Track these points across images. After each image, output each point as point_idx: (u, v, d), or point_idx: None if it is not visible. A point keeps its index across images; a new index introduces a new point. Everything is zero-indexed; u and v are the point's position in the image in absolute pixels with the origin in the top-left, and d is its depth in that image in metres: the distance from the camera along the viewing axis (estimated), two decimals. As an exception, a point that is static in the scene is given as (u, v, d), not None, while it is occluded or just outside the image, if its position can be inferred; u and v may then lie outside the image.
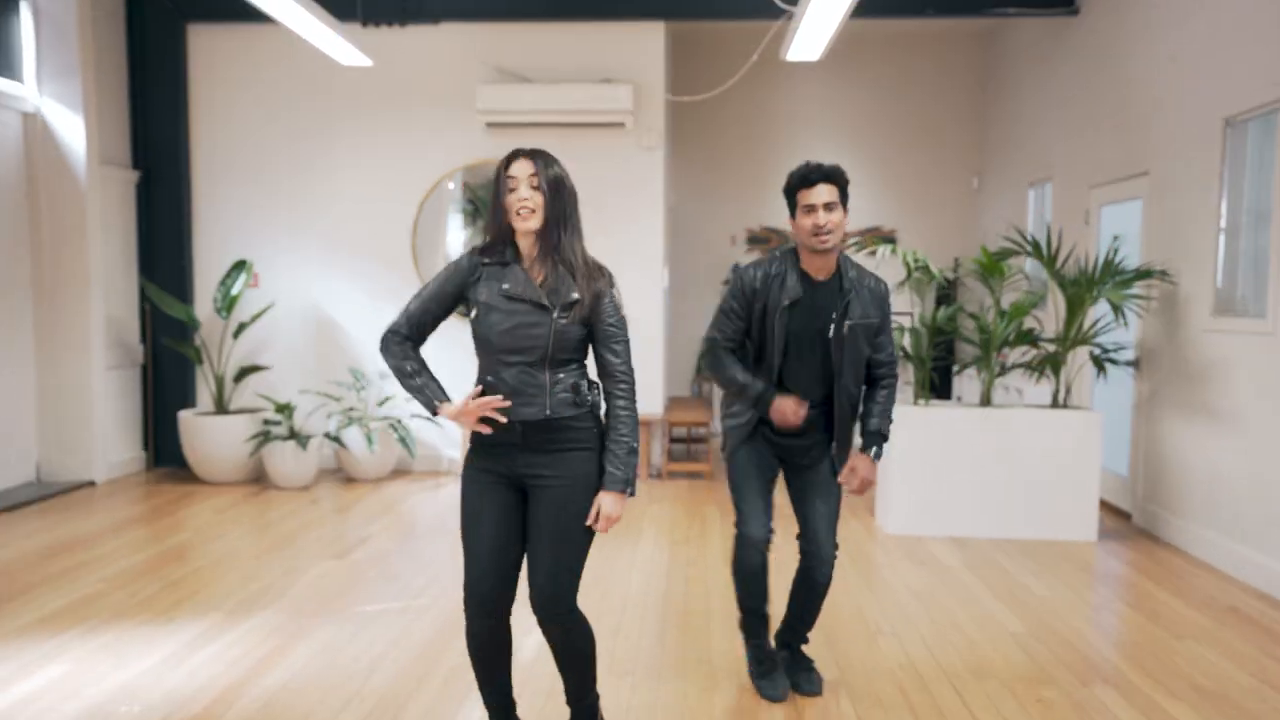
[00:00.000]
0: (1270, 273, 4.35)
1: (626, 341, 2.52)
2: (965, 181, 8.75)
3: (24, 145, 6.16)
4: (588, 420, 2.49)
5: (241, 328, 6.60)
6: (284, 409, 6.31)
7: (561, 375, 2.45)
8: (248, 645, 3.57)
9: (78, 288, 6.31)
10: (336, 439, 6.44)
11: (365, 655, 3.49)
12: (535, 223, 2.43)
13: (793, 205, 2.95)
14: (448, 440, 6.96)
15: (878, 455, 3.07)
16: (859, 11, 4.99)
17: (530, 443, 2.45)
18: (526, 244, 2.48)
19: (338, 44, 5.68)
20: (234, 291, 6.62)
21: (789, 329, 2.96)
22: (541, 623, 2.50)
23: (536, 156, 2.46)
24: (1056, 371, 5.32)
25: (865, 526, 5.48)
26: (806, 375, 3.01)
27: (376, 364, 6.85)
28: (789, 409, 2.96)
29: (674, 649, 3.57)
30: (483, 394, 2.46)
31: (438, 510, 5.85)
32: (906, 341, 5.35)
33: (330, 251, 6.94)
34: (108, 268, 6.56)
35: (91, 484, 6.40)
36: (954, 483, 5.24)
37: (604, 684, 2.94)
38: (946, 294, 8.06)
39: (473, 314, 2.49)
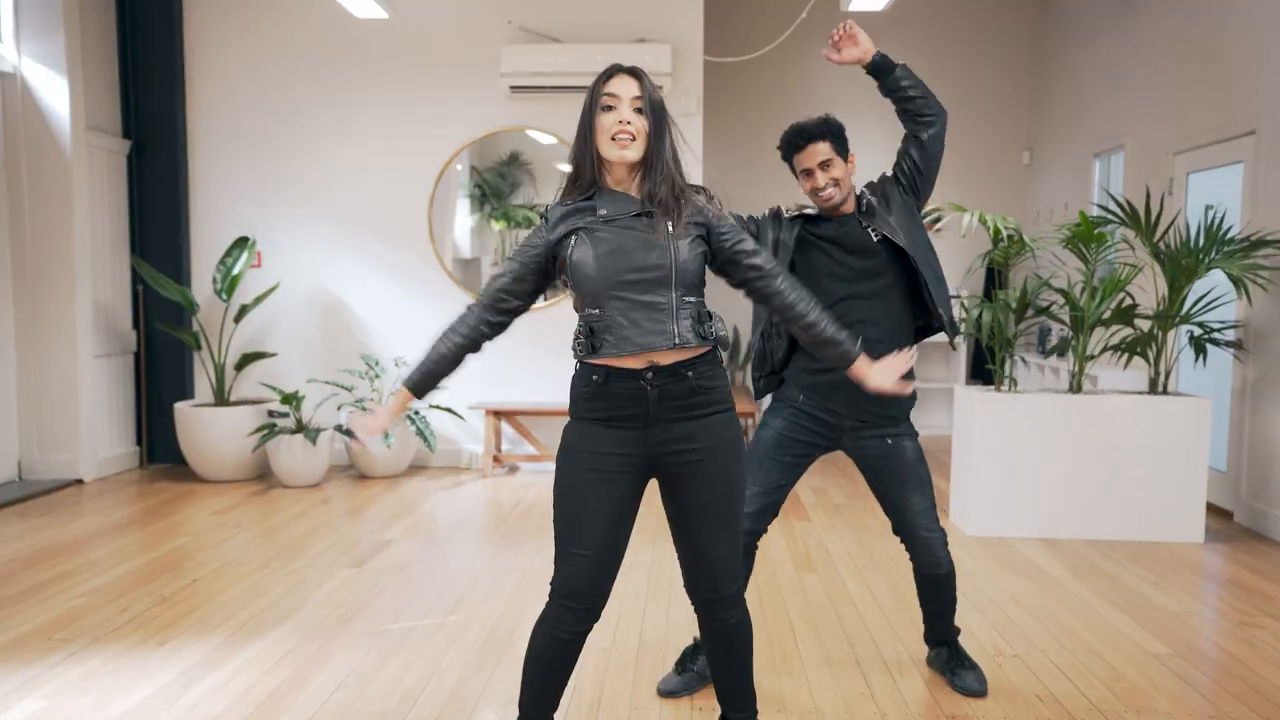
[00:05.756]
0: None
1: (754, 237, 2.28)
2: (1014, 155, 8.18)
3: (1, 109, 5.58)
4: (720, 375, 2.14)
5: (243, 311, 6.02)
6: (291, 399, 5.74)
7: (690, 299, 2.06)
8: (256, 674, 3.00)
9: (62, 267, 5.73)
10: (348, 432, 5.86)
11: (398, 685, 2.92)
12: (635, 152, 2.03)
13: (793, 170, 2.81)
14: (470, 434, 6.38)
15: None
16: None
17: (664, 407, 2.06)
18: (619, 176, 2.07)
19: (350, -8, 5.11)
20: (235, 271, 6.04)
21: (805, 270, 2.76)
22: (716, 614, 2.21)
23: (641, 75, 2.06)
24: (1152, 354, 4.76)
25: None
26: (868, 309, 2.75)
27: (390, 349, 6.29)
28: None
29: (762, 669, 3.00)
30: (586, 332, 2.07)
31: (461, 511, 5.28)
32: (986, 318, 4.78)
33: (340, 227, 6.36)
34: (95, 245, 5.97)
35: (79, 483, 5.82)
36: (1041, 478, 4.68)
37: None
38: (996, 278, 7.50)
39: (569, 251, 2.06)
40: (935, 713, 2.75)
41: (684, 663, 2.89)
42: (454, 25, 6.25)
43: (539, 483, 5.95)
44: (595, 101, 2.05)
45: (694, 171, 6.22)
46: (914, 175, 2.77)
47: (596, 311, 2.05)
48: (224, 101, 6.32)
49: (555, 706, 2.19)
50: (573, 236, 2.05)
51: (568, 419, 2.19)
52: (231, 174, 6.35)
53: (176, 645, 3.23)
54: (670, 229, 2.03)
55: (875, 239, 2.70)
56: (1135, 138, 6.24)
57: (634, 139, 2.02)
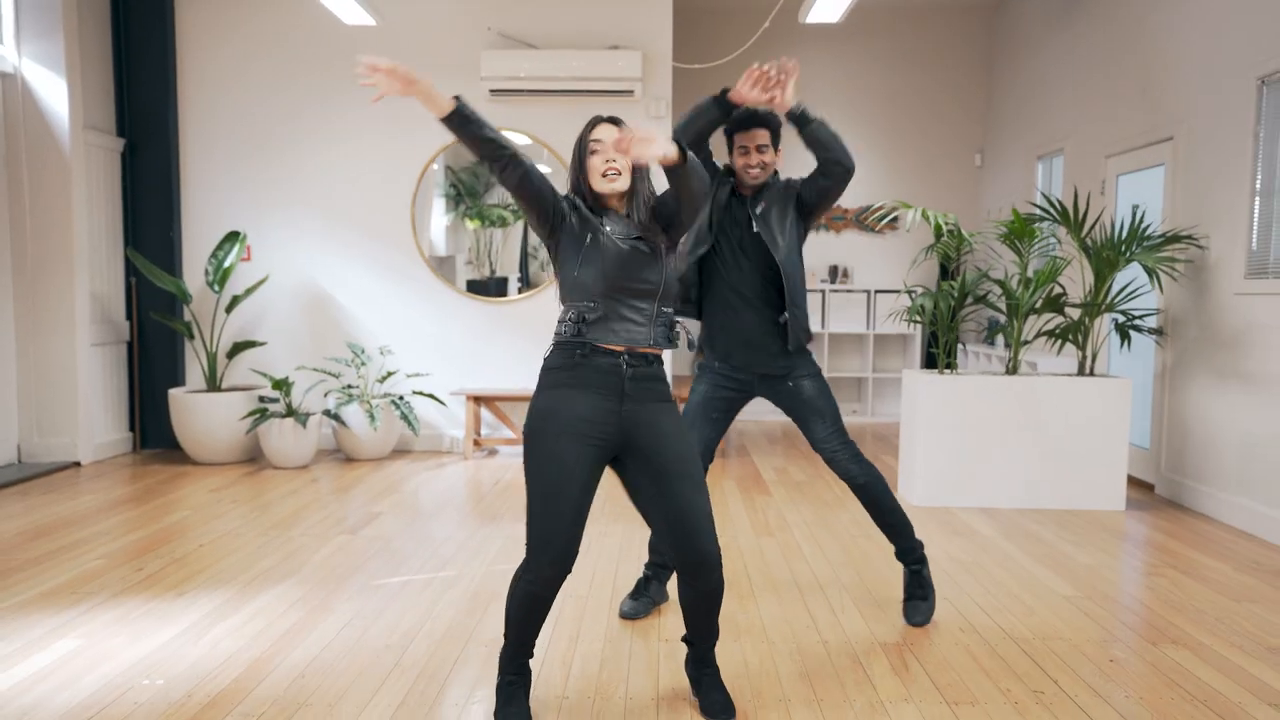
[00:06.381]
0: (1312, 231, 4.26)
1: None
2: (967, 158, 8.66)
3: (2, 109, 5.85)
4: (665, 376, 2.54)
5: (234, 301, 6.33)
6: (281, 385, 6.06)
7: (666, 309, 2.49)
8: (270, 618, 3.35)
9: (61, 260, 6.01)
10: (336, 416, 6.19)
11: (396, 627, 3.28)
12: (623, 184, 2.45)
13: (731, 145, 3.20)
14: (451, 419, 6.74)
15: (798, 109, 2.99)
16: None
17: (634, 384, 2.44)
18: (611, 204, 2.50)
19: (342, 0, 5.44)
20: (226, 264, 6.35)
21: (718, 234, 3.19)
22: (703, 576, 2.45)
23: (620, 123, 2.47)
24: (1080, 340, 5.22)
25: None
26: (749, 281, 3.18)
27: (375, 339, 6.63)
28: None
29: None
30: (578, 319, 2.41)
31: (444, 489, 5.63)
32: (928, 306, 5.22)
33: (327, 222, 6.69)
34: (92, 239, 6.26)
35: (76, 465, 6.11)
36: (979, 453, 5.12)
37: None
38: (947, 272, 7.96)
39: (586, 242, 2.42)
40: (869, 640, 3.16)
41: (638, 591, 3.41)
42: (437, 31, 6.59)
43: (517, 465, 6.31)
44: (584, 148, 2.46)
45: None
46: (810, 203, 3.17)
47: (591, 304, 2.40)
48: (215, 102, 6.62)
49: (534, 643, 2.53)
50: (588, 235, 2.41)
51: (537, 393, 2.46)
52: (222, 171, 6.65)
53: (194, 596, 3.57)
54: (664, 251, 2.44)
55: (754, 229, 3.16)
56: (1073, 142, 6.73)
57: (620, 174, 2.44)
